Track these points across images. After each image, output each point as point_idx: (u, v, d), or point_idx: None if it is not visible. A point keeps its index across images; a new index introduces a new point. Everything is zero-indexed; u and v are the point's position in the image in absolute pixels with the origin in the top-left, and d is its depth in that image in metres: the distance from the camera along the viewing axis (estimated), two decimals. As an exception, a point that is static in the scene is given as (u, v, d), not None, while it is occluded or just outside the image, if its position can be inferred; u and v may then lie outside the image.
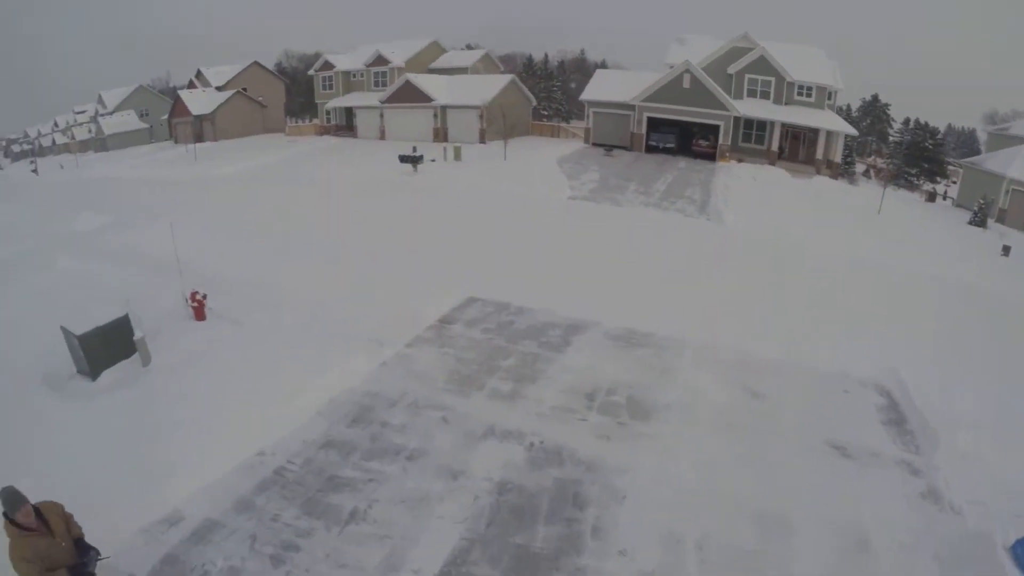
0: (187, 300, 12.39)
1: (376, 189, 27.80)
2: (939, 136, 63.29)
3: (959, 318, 15.76)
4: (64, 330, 10.37)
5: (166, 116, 62.21)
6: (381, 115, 46.86)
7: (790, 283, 17.18)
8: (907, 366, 11.96)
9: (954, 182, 57.69)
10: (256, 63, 64.93)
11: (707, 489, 8.20)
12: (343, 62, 54.72)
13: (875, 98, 78.47)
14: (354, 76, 53.41)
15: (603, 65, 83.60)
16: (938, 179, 57.92)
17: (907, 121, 75.18)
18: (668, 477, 8.40)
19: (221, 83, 61.11)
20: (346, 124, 52.98)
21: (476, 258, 17.48)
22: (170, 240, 14.17)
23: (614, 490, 8.17)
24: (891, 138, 77.23)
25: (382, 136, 47.14)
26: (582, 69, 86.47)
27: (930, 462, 9.08)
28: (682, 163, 37.19)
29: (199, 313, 12.36)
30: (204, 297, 12.37)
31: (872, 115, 79.59)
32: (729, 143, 38.47)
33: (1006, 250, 25.35)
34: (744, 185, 32.22)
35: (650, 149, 40.39)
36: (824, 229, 24.30)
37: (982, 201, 33.00)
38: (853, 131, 42.53)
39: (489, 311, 13.93)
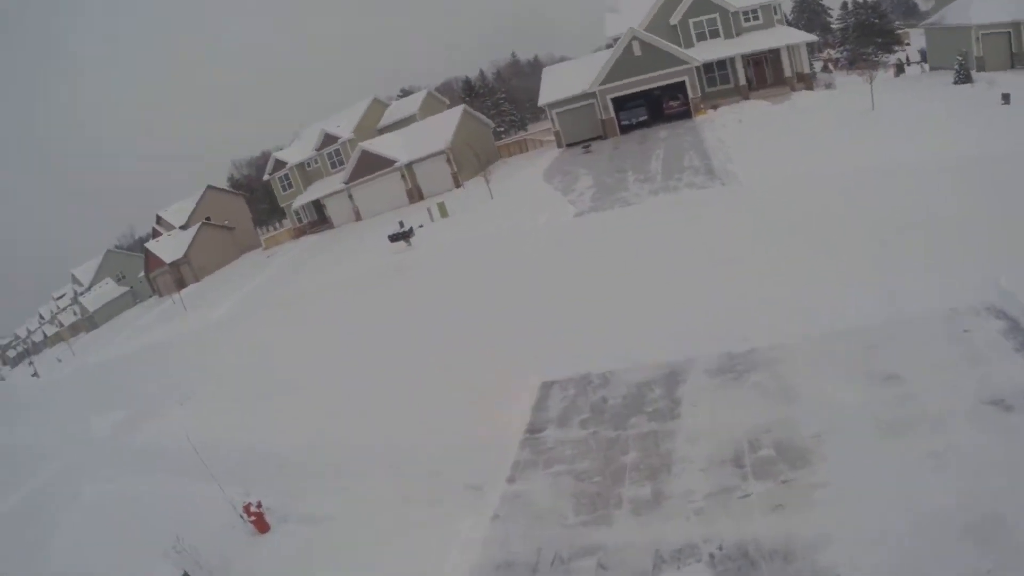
0: (243, 516, 10.51)
1: (378, 281, 26.00)
2: (882, 8, 62.40)
3: (1011, 194, 14.13)
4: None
5: (143, 273, 60.95)
6: (350, 196, 44.90)
7: (841, 224, 15.56)
8: (1003, 271, 10.75)
9: (908, 44, 56.53)
10: (210, 187, 63.74)
11: (907, 520, 7.05)
12: (292, 155, 53.04)
13: (805, -7, 77.67)
14: (309, 165, 51.81)
15: (537, 61, 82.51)
16: (894, 48, 56.53)
17: (844, 5, 74.23)
18: (863, 529, 7.14)
19: (183, 220, 59.86)
20: (319, 217, 51.20)
21: (521, 326, 15.62)
22: (190, 423, 12.48)
23: (826, 573, 6.80)
24: (834, 26, 76.29)
25: (357, 217, 45.17)
26: (520, 73, 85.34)
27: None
28: (662, 132, 35.44)
29: (261, 525, 10.49)
30: (259, 505, 10.49)
31: (807, 11, 78.76)
32: (699, 95, 36.76)
33: (1005, 98, 24.39)
34: (734, 132, 30.72)
35: (624, 129, 38.69)
36: (835, 147, 22.81)
37: (960, 58, 31.66)
38: (812, 37, 41.34)
39: (573, 393, 11.95)
